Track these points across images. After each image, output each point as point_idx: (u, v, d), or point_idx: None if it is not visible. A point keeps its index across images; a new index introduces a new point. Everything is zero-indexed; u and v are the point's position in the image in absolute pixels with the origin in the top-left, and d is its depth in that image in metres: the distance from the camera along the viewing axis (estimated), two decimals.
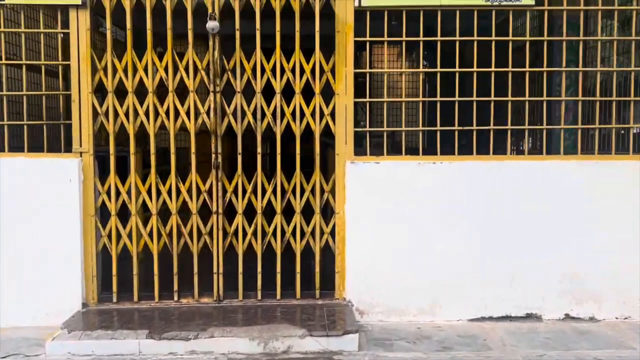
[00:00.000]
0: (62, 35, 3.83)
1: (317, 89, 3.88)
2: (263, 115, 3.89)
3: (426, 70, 4.15)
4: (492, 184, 3.85)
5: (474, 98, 3.90)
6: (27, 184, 3.78)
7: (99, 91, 3.88)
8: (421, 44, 3.91)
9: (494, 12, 3.85)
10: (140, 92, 3.88)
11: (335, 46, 3.86)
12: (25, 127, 3.84)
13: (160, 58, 3.85)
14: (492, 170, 3.87)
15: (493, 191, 3.85)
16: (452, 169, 3.85)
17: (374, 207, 3.87)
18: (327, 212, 4.01)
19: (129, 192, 3.89)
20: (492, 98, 3.88)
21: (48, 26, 3.91)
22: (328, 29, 3.87)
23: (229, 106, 3.88)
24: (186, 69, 3.85)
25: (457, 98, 3.89)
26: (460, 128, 3.89)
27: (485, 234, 3.86)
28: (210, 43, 3.82)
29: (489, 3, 3.80)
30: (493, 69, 3.85)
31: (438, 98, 3.89)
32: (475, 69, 3.87)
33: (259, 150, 3.91)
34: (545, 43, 3.87)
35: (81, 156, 3.83)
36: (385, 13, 3.86)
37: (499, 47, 3.85)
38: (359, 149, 3.92)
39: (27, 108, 3.85)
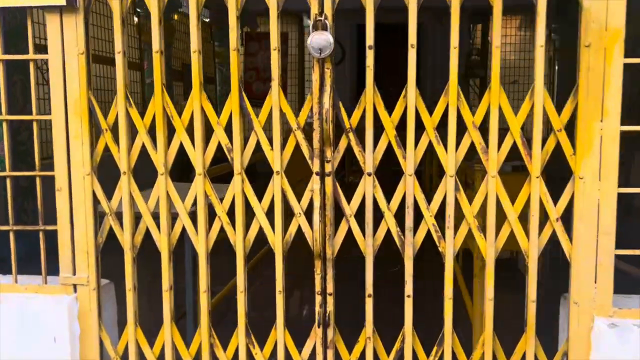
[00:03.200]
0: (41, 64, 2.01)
1: (534, 169, 1.84)
2: (420, 219, 1.90)
3: None
4: None
5: None
6: None
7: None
8: None
9: None
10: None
11: (576, 77, 1.79)
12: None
13: (216, 108, 1.95)
14: None
15: None
16: None
17: None
18: None
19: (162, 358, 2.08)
20: None
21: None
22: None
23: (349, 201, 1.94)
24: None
25: None
26: None
27: None
28: (316, 77, 1.86)
29: None
30: None
31: None
32: None
33: (409, 292, 1.93)
34: None
35: (75, 291, 2.06)
36: None
37: None
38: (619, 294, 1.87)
39: None
